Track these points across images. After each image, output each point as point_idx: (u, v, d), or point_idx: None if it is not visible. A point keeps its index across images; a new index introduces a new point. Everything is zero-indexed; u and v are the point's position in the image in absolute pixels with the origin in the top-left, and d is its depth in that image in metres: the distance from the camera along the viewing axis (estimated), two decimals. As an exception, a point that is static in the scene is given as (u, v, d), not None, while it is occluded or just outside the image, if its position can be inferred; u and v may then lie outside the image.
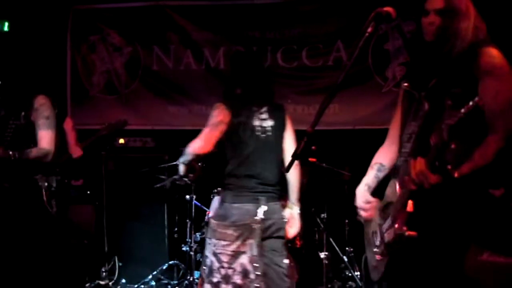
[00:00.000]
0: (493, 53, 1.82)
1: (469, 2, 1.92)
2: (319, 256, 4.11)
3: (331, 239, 4.17)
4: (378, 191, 2.19)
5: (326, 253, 4.07)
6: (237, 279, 2.57)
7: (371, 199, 2.14)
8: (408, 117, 2.02)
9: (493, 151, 1.71)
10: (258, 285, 2.54)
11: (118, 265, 4.68)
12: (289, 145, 2.78)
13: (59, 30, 5.46)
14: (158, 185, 4.31)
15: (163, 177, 4.45)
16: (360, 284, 4.11)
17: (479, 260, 1.91)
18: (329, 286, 4.10)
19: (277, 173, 2.73)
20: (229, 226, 2.61)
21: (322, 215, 4.21)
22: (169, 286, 4.48)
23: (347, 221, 4.41)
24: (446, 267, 1.83)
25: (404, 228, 1.77)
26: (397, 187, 1.92)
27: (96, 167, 4.79)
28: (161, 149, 4.80)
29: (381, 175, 2.17)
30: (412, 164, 1.71)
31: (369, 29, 1.59)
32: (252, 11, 5.21)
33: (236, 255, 2.58)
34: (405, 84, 2.05)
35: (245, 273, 2.57)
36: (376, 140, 5.22)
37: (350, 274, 4.22)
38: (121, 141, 4.81)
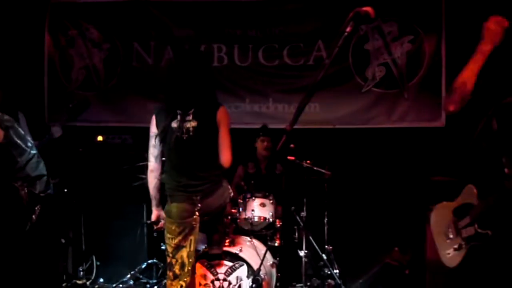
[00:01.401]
0: None
1: None
2: (298, 254, 4.12)
3: (310, 238, 4.19)
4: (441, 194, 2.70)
5: (306, 251, 4.09)
6: (176, 269, 2.88)
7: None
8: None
9: None
10: (186, 279, 2.87)
11: (96, 264, 4.62)
12: (220, 139, 2.92)
13: (36, 24, 5.36)
14: (136, 183, 4.27)
15: (142, 175, 4.40)
16: (339, 282, 4.14)
17: None
18: (308, 283, 4.12)
19: (199, 169, 2.91)
20: (173, 222, 2.88)
21: (302, 213, 4.23)
22: (148, 285, 4.44)
23: (326, 219, 4.44)
24: None
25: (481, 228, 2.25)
26: (475, 191, 2.34)
27: (73, 164, 4.72)
28: (141, 147, 4.75)
29: None
30: None
31: (348, 29, 1.60)
32: (233, 8, 5.20)
33: (178, 248, 2.88)
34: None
35: (182, 265, 2.87)
36: (356, 139, 5.33)
37: (329, 272, 4.26)
38: (100, 138, 4.74)
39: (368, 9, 1.63)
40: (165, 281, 4.16)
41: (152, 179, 3.04)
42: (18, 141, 3.00)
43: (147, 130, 5.00)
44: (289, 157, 4.18)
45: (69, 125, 4.28)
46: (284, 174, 4.57)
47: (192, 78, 2.91)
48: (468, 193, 2.41)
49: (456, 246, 2.46)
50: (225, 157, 2.90)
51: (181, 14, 5.25)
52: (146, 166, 4.31)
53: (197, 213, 2.88)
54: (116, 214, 4.75)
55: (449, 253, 2.52)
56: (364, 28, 5.03)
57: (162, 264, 4.41)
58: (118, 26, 5.32)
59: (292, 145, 4.13)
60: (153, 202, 3.10)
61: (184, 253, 2.88)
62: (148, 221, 4.29)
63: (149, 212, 4.55)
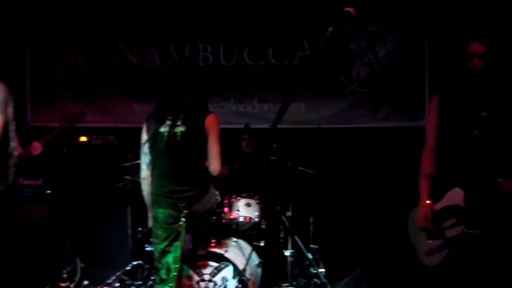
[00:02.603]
0: None
1: None
2: (284, 253, 4.12)
3: (296, 237, 4.20)
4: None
5: (291, 250, 4.09)
6: (163, 274, 2.92)
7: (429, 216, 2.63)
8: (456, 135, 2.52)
9: None
10: (171, 284, 2.91)
11: (80, 266, 4.57)
12: (209, 147, 2.92)
13: (19, 24, 5.28)
14: (120, 184, 4.24)
15: (126, 176, 4.37)
16: (325, 281, 4.15)
17: None
18: (293, 283, 4.12)
19: (185, 174, 2.91)
20: (159, 227, 2.92)
21: (287, 213, 4.23)
22: (133, 287, 4.40)
23: (312, 219, 4.45)
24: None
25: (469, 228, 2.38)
26: (462, 193, 2.44)
27: (56, 165, 4.66)
28: (124, 147, 4.72)
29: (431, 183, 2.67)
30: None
31: (330, 28, 1.61)
32: (219, 8, 5.19)
33: (164, 253, 2.92)
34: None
35: (168, 270, 2.90)
36: (340, 139, 5.35)
37: (314, 271, 4.26)
38: (83, 139, 4.70)
39: (349, 9, 1.63)
40: (150, 282, 4.16)
41: (146, 187, 3.06)
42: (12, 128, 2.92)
43: (131, 130, 5.02)
44: (272, 157, 4.19)
45: (52, 125, 4.24)
46: (269, 172, 4.58)
47: (183, 85, 2.94)
48: (454, 195, 2.48)
49: (437, 246, 2.52)
50: (214, 165, 2.92)
51: (165, 14, 5.22)
52: (130, 167, 4.36)
53: (183, 220, 2.89)
54: (100, 216, 4.72)
55: (429, 253, 2.58)
56: (348, 28, 5.06)
57: (147, 266, 4.37)
58: (102, 26, 5.27)
59: (274, 145, 4.14)
60: (149, 209, 3.09)
61: (169, 258, 2.90)
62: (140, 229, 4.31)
63: (134, 213, 4.61)
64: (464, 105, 2.48)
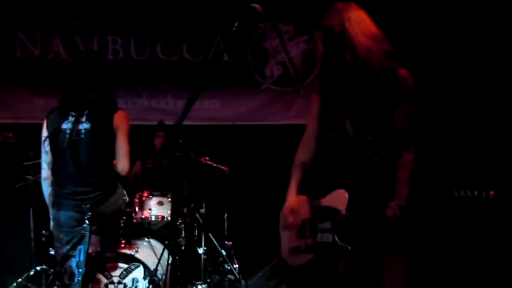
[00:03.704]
0: (408, 75, 2.02)
1: (349, 22, 2.09)
2: (197, 251, 4.11)
3: (210, 234, 4.20)
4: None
5: (205, 248, 4.08)
6: (66, 279, 2.87)
7: (297, 209, 2.27)
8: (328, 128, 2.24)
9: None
10: None
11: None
12: (117, 146, 2.86)
13: None
14: (19, 185, 3.97)
15: (28, 176, 4.09)
16: (238, 277, 4.20)
17: None
18: (207, 280, 4.12)
19: (89, 174, 2.84)
20: (61, 231, 2.84)
21: (201, 210, 4.21)
22: (37, 294, 4.15)
23: (226, 215, 4.47)
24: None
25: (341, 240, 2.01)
26: (346, 196, 2.04)
27: None
28: (25, 144, 4.44)
29: (304, 172, 2.35)
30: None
31: (235, 23, 1.63)
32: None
33: (66, 257, 2.86)
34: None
35: (71, 276, 2.83)
36: (255, 136, 5.42)
37: (228, 268, 4.29)
38: (-23, 136, 4.34)
39: (255, 5, 1.66)
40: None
41: (47, 187, 2.93)
42: None
43: (32, 126, 4.72)
44: (177, 153, 4.15)
45: None
46: (177, 169, 4.53)
47: (88, 78, 2.84)
48: (338, 196, 2.10)
49: (305, 247, 2.17)
50: (122, 165, 2.86)
51: (72, 3, 4.96)
52: (32, 166, 4.09)
53: (87, 222, 2.78)
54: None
55: (295, 251, 2.24)
56: (262, 27, 5.15)
57: (52, 270, 4.14)
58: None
59: (180, 140, 4.10)
60: (51, 211, 2.95)
61: (73, 263, 2.82)
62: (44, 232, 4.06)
63: (36, 215, 4.33)
64: (339, 93, 2.17)
